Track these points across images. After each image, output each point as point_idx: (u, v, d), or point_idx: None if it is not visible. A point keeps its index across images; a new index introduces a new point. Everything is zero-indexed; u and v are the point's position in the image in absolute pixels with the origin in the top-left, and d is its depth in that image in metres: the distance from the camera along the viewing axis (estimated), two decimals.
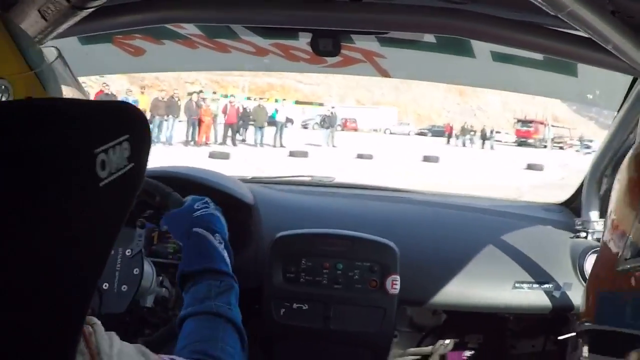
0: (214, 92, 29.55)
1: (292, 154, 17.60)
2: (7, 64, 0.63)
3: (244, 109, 22.64)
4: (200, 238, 1.15)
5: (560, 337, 1.83)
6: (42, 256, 0.48)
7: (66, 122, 0.51)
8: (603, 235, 1.16)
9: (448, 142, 33.38)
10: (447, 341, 2.01)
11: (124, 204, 0.58)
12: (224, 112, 21.12)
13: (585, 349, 1.13)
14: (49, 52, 0.71)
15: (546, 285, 1.82)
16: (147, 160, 0.61)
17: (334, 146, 22.88)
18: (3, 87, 0.60)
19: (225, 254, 1.15)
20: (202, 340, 0.97)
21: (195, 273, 1.10)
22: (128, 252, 1.37)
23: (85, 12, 1.21)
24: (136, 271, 1.41)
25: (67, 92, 0.71)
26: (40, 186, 0.47)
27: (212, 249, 1.14)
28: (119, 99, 10.26)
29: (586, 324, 1.12)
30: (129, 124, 0.58)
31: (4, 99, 0.61)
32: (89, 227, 0.53)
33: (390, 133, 37.71)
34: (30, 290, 0.48)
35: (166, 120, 18.18)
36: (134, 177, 0.57)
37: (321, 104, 37.89)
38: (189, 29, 1.65)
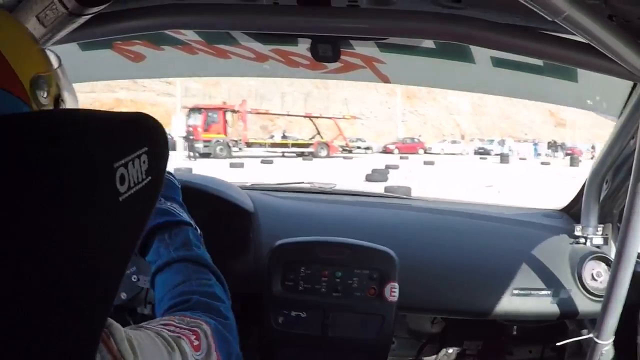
0: None
1: None
2: (39, 64, 0.64)
3: None
4: None
5: (558, 344, 1.82)
6: (62, 268, 0.48)
7: (87, 135, 0.50)
8: None
9: None
10: (450, 350, 1.99)
11: (142, 217, 0.57)
12: None
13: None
14: (52, 57, 0.72)
15: (545, 292, 1.81)
16: (164, 173, 0.60)
17: None
18: (44, 82, 0.61)
19: (170, 206, 1.07)
20: (175, 287, 0.93)
21: (144, 240, 1.03)
22: None
23: (83, 19, 1.22)
24: (135, 279, 1.41)
25: (67, 96, 0.72)
26: (60, 200, 0.46)
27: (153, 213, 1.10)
28: None
29: None
30: (147, 136, 0.57)
31: (45, 94, 0.61)
32: (108, 241, 0.52)
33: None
34: (48, 301, 0.48)
35: None
36: (152, 190, 0.57)
37: None
38: (189, 35, 1.65)
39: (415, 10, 1.32)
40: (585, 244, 1.90)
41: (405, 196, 2.40)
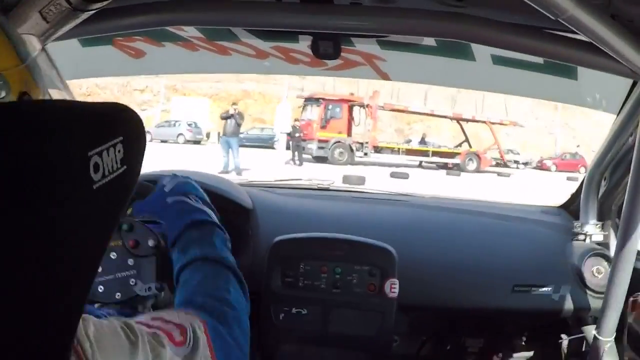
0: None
1: None
2: (2, 59, 0.62)
3: None
4: (175, 204, 1.12)
5: (560, 340, 1.83)
6: (35, 260, 0.48)
7: (59, 124, 0.50)
8: None
9: None
10: (452, 347, 2.01)
11: (118, 206, 0.58)
12: None
13: None
14: (30, 41, 0.70)
15: (545, 289, 1.81)
16: (141, 162, 0.61)
17: None
18: (1, 82, 0.59)
19: (206, 208, 1.13)
20: (192, 287, 0.94)
21: (178, 234, 1.06)
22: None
23: (85, 15, 1.22)
24: (131, 262, 1.41)
25: (54, 91, 0.71)
26: (33, 189, 0.47)
27: (189, 208, 1.11)
28: None
29: None
30: (123, 126, 0.58)
31: (3, 94, 0.60)
32: (83, 230, 0.53)
33: None
34: (22, 293, 0.48)
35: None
36: (127, 180, 0.57)
37: None
38: (190, 31, 1.65)
39: (417, 8, 1.33)
40: (584, 240, 1.90)
41: (404, 193, 2.39)
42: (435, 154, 23.71)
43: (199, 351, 0.78)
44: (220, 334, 0.84)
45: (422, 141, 25.65)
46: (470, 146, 24.36)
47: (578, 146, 31.80)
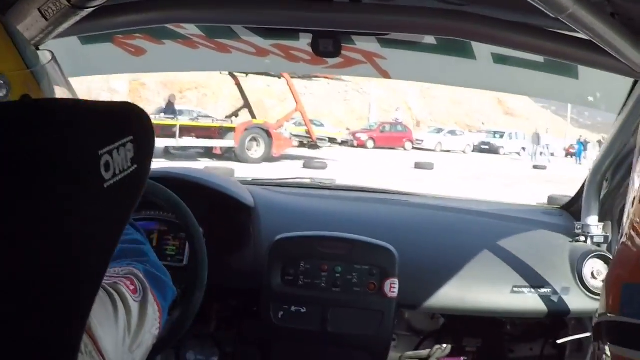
0: None
1: None
2: (6, 62, 0.63)
3: None
4: None
5: (559, 342, 1.82)
6: (45, 257, 0.48)
7: (71, 122, 0.51)
8: (621, 236, 1.08)
9: None
10: (445, 345, 2.00)
11: (128, 206, 0.58)
12: None
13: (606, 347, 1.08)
14: (43, 54, 0.72)
15: (544, 290, 1.81)
16: (150, 162, 0.61)
17: None
18: (2, 82, 0.60)
19: None
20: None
21: None
22: None
23: (85, 12, 1.21)
24: None
25: (59, 92, 0.72)
26: (44, 187, 0.47)
27: None
28: None
29: (609, 315, 1.06)
30: (133, 125, 0.58)
31: (2, 94, 0.61)
32: (93, 228, 0.53)
33: None
34: (31, 290, 0.48)
35: None
36: (137, 179, 0.57)
37: None
38: (190, 29, 1.65)
39: (417, 6, 1.33)
40: (585, 242, 1.89)
41: (405, 192, 2.39)
42: (187, 130, 14.29)
43: (149, 296, 0.84)
44: (151, 272, 0.90)
45: (170, 109, 15.52)
46: (253, 116, 15.15)
47: (398, 109, 26.01)
